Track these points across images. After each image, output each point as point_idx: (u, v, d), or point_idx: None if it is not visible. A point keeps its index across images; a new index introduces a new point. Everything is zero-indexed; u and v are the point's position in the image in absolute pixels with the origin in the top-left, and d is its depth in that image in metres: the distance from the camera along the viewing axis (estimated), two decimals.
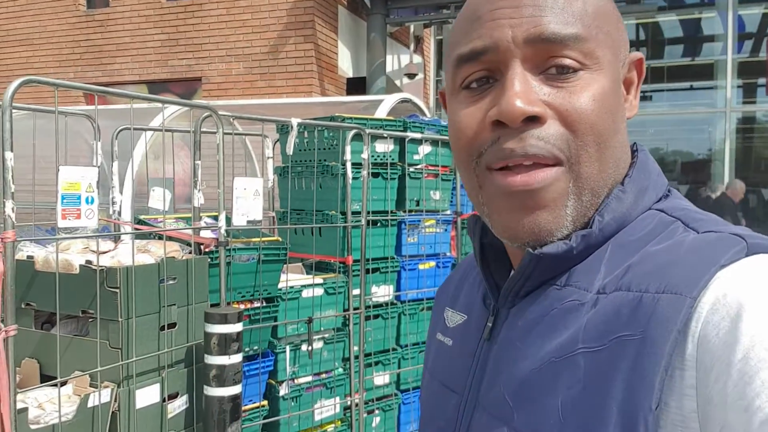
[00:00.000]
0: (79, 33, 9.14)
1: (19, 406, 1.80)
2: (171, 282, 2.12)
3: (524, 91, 0.57)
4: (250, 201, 2.43)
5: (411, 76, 9.43)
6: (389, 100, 4.93)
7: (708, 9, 10.29)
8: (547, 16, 0.57)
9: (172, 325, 2.14)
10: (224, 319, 2.10)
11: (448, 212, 3.44)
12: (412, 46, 9.99)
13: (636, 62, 0.65)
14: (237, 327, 2.13)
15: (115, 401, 1.95)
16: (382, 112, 4.67)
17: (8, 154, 1.57)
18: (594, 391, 0.51)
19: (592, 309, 0.54)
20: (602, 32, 0.59)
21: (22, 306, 2.16)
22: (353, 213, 2.89)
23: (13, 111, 1.59)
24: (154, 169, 4.23)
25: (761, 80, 10.89)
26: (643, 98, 9.84)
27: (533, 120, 0.57)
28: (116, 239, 2.34)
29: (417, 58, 9.95)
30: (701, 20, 10.49)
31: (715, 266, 0.49)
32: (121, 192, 2.57)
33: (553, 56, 0.58)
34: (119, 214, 2.62)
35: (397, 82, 9.53)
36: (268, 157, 3.16)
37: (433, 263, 3.31)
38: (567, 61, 0.57)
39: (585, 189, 0.59)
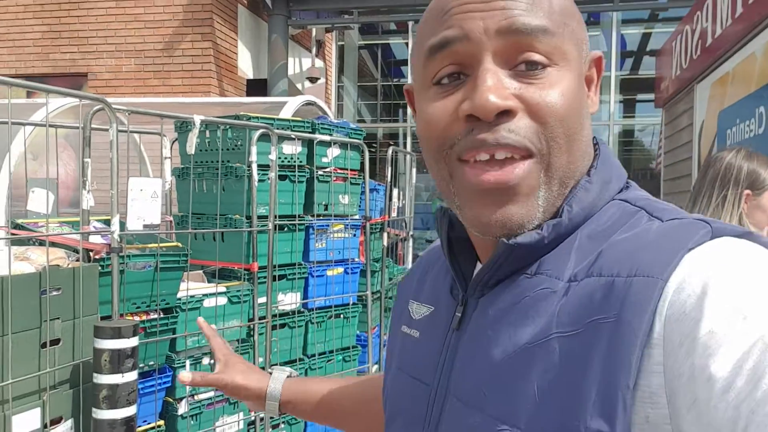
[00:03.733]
0: None
1: None
2: (55, 293, 1.89)
3: (496, 85, 0.58)
4: (147, 203, 2.23)
5: (313, 80, 9.30)
6: (294, 102, 4.80)
7: (593, 27, 10.93)
8: (517, 9, 0.58)
9: (55, 342, 1.91)
10: (117, 333, 1.90)
11: (357, 217, 3.36)
12: (313, 50, 9.87)
13: (596, 60, 0.67)
14: (132, 342, 1.94)
15: None
16: (287, 114, 4.53)
17: None
18: (570, 372, 0.52)
19: (564, 297, 0.56)
20: (568, 29, 0.61)
21: None
22: (259, 217, 2.74)
23: None
24: (34, 169, 3.85)
25: (640, 96, 11.71)
26: None
27: (505, 114, 0.58)
28: None
29: (319, 63, 9.84)
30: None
31: (683, 249, 0.52)
32: None
33: (522, 51, 0.59)
34: None
35: (299, 86, 9.38)
36: (166, 158, 2.94)
37: (341, 269, 3.22)
38: (536, 57, 0.59)
39: (554, 179, 0.61)
